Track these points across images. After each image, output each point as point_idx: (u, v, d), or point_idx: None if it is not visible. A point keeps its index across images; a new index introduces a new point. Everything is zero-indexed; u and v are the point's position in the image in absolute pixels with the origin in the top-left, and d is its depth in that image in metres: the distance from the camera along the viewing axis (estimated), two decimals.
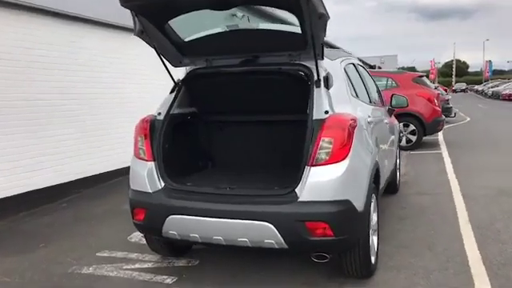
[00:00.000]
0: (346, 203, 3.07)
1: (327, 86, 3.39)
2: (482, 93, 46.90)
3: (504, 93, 35.92)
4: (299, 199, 3.05)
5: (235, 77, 3.87)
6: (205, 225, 3.20)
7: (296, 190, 3.07)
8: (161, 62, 3.69)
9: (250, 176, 3.96)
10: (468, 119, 18.27)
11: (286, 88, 3.78)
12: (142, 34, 3.40)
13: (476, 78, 79.03)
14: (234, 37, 3.76)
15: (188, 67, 3.96)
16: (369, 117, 3.93)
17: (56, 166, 6.60)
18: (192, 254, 4.10)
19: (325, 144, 3.09)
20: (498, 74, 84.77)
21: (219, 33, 3.68)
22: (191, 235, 3.29)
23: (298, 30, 3.30)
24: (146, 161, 3.54)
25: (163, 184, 3.44)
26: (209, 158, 4.56)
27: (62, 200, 6.44)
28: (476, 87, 57.18)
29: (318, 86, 3.35)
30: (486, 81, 61.26)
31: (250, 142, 4.45)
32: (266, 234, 3.06)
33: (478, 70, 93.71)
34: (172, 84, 3.91)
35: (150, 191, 3.43)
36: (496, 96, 38.14)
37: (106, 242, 4.60)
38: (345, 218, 3.07)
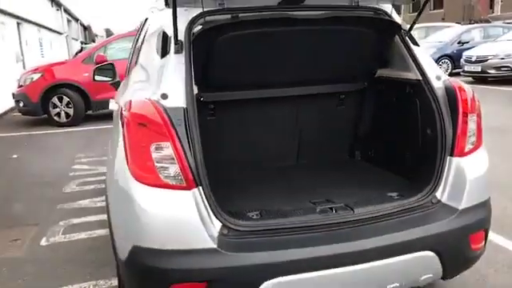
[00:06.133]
0: (489, 200, 2.51)
1: (415, 43, 2.79)
2: None
3: None
4: (459, 207, 2.32)
5: (275, 27, 2.56)
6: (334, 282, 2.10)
7: (437, 193, 2.38)
8: None
9: (308, 178, 3.06)
10: None
11: (346, 43, 2.85)
12: None
13: None
14: None
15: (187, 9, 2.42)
16: None
17: None
18: None
19: (472, 124, 2.47)
20: None
21: None
22: None
23: None
24: (185, 189, 2.03)
25: (219, 227, 2.05)
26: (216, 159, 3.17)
27: None
28: None
29: (413, 41, 2.77)
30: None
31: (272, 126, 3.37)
32: (425, 267, 2.25)
33: None
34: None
35: (215, 246, 2.00)
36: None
37: None
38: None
